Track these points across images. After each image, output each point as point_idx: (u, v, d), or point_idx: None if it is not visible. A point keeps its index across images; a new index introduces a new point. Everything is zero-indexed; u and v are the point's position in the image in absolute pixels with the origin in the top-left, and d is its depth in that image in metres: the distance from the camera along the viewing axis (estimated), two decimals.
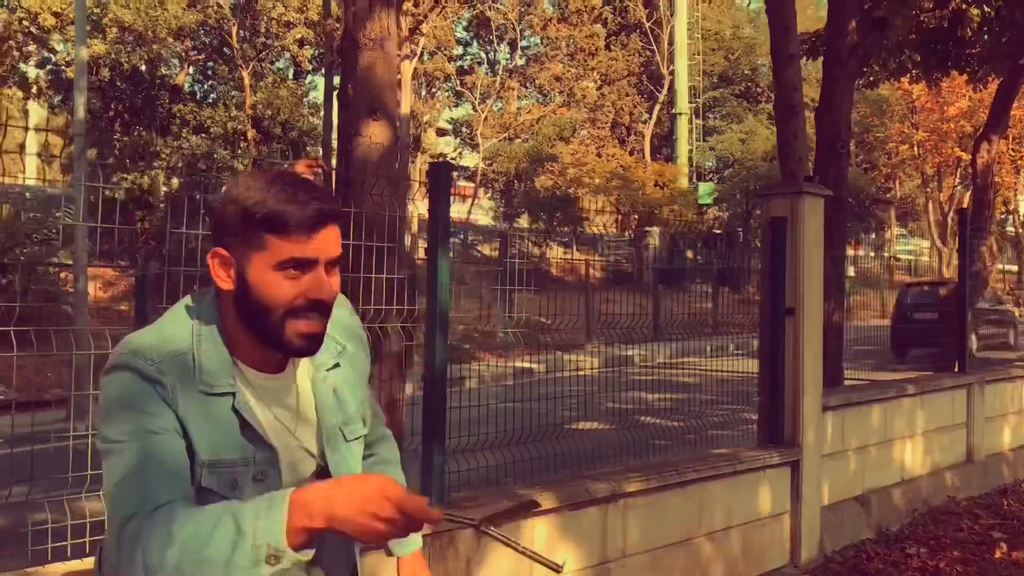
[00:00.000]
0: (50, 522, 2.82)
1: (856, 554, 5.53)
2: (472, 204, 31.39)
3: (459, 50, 31.97)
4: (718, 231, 34.08)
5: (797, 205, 5.19)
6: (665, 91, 32.93)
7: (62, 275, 15.61)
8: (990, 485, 7.17)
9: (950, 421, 6.86)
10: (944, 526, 6.13)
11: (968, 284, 7.65)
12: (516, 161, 29.53)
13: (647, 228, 32.24)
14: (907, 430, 6.34)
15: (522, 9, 30.06)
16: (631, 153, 32.59)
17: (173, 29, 18.03)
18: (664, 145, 34.81)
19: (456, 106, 31.74)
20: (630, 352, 6.72)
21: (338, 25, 12.11)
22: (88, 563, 2.72)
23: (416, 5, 23.43)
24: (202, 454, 1.42)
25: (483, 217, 35.46)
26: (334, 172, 4.91)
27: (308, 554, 1.27)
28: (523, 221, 31.70)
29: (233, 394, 1.46)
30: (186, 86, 21.67)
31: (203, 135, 18.28)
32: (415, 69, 26.82)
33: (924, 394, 6.53)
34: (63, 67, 19.31)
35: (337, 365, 1.61)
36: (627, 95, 33.41)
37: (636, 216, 31.36)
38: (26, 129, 24.07)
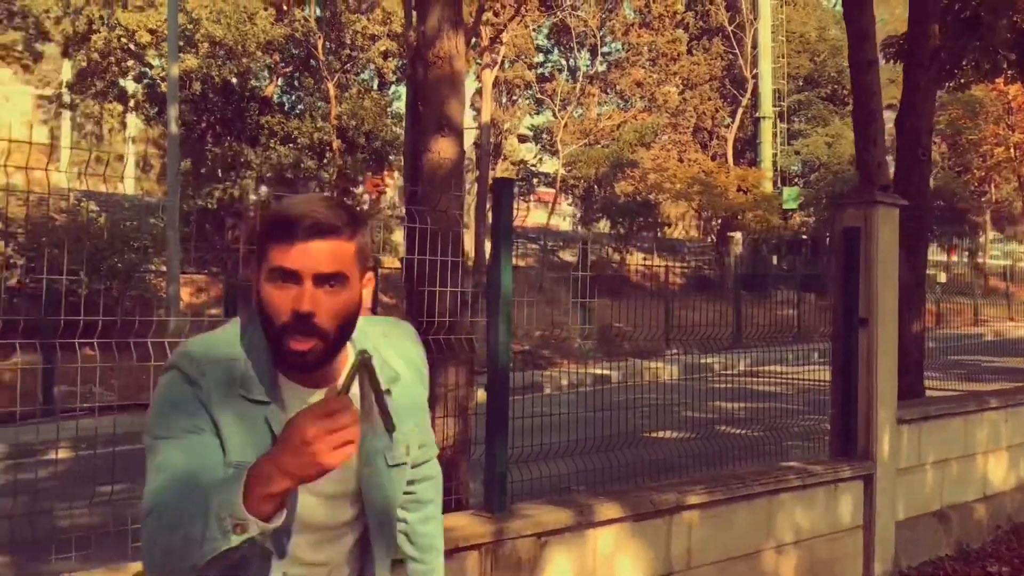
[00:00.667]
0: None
1: (934, 571, 5.41)
2: (552, 210, 31.48)
3: (540, 57, 32.11)
4: (803, 236, 33.42)
5: (870, 215, 5.12)
6: (748, 95, 32.44)
7: (155, 281, 16.25)
8: None
9: None
10: None
11: None
12: (596, 166, 29.48)
13: (730, 233, 31.84)
14: (990, 444, 6.16)
15: (603, 16, 30.02)
16: (713, 158, 32.19)
17: (262, 43, 18.60)
18: (747, 149, 34.28)
19: (537, 113, 31.87)
20: (710, 360, 6.68)
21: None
22: None
23: (496, 15, 23.64)
24: (231, 456, 1.46)
25: (563, 223, 35.56)
26: (404, 187, 5.06)
27: (276, 521, 1.31)
28: (602, 226, 31.63)
29: (268, 403, 1.50)
30: (275, 98, 22.28)
31: (290, 145, 18.79)
32: (496, 77, 27.08)
33: (1009, 407, 6.34)
34: (158, 81, 20.08)
35: (388, 391, 1.58)
36: (709, 99, 33.03)
37: (718, 221, 30.99)
38: (125, 140, 25.15)
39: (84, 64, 19.12)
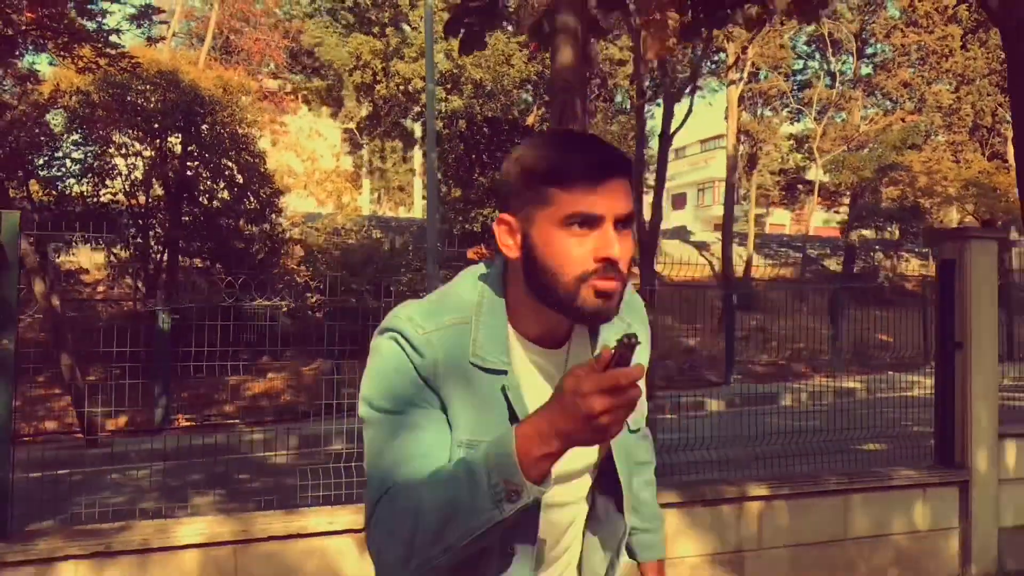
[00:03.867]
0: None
1: None
2: (802, 216, 31.05)
3: (799, 64, 31.86)
4: None
5: (963, 249, 5.69)
6: None
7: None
8: None
9: None
10: None
11: None
12: (859, 172, 28.84)
13: (1013, 237, 29.71)
14: None
15: (864, 19, 29.30)
16: (992, 158, 30.22)
17: (517, 81, 20.61)
18: None
19: (796, 121, 31.64)
20: None
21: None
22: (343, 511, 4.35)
23: (748, 30, 24.15)
24: (461, 433, 1.34)
25: (826, 230, 34.75)
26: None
27: (547, 487, 1.23)
28: (867, 234, 30.74)
29: (505, 372, 1.37)
30: (536, 127, 24.28)
31: None
32: (748, 89, 27.48)
33: None
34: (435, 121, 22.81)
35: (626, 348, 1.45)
36: (988, 95, 31.03)
37: (999, 226, 29.07)
38: (408, 172, 28.37)
39: (370, 109, 22.26)
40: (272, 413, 14.05)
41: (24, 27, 10.88)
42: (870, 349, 22.16)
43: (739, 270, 27.56)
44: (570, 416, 1.17)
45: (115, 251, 16.18)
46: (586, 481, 1.51)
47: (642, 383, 1.26)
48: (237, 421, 13.72)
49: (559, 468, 1.27)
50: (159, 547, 3.81)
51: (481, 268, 1.46)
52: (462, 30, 7.78)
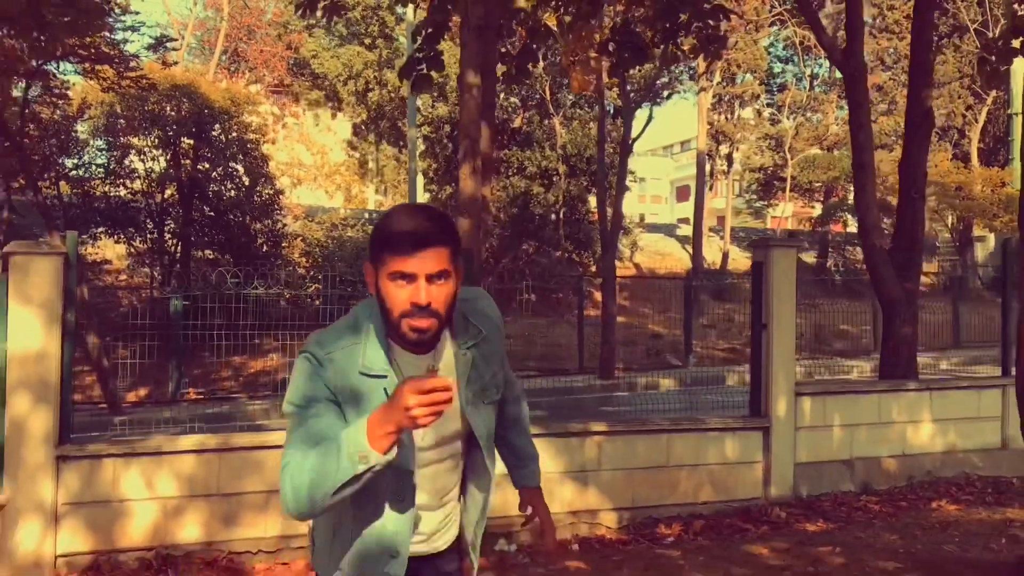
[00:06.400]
0: None
1: (831, 499, 7.70)
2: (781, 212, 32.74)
3: (778, 67, 33.57)
4: None
5: (768, 254, 7.59)
6: (993, 93, 31.78)
7: None
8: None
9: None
10: (934, 489, 7.97)
11: None
12: (828, 171, 30.58)
13: (978, 233, 31.47)
14: (907, 415, 8.24)
15: (835, 26, 30.95)
16: (961, 157, 31.91)
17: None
18: (1001, 148, 33.42)
19: (774, 123, 33.36)
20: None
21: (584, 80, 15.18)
22: None
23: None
24: (351, 419, 1.87)
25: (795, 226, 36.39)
26: None
27: (390, 456, 1.75)
28: (838, 229, 32.45)
29: (386, 376, 1.92)
30: (522, 128, 26.08)
31: (521, 175, 22.52)
32: (726, 92, 29.32)
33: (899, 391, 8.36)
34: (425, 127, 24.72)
35: (475, 345, 2.05)
36: (959, 98, 32.69)
37: (959, 223, 30.79)
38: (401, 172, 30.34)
39: (365, 115, 24.23)
40: (270, 387, 15.94)
41: (60, 53, 12.86)
42: (829, 337, 23.98)
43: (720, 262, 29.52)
44: (396, 408, 1.69)
45: (135, 244, 18.19)
46: (457, 444, 2.10)
47: (504, 365, 2.17)
48: (240, 394, 15.70)
49: (434, 434, 1.97)
50: (168, 451, 5.81)
51: (368, 303, 1.99)
52: (414, 74, 9.77)
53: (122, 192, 18.37)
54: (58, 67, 15.06)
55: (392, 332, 1.91)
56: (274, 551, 5.97)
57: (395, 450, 1.76)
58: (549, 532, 2.40)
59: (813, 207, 35.04)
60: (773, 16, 29.01)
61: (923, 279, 30.05)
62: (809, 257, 32.87)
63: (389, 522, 2.00)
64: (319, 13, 10.35)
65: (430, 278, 1.84)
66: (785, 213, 34.86)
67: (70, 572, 5.51)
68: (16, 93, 14.82)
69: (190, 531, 5.81)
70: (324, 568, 2.13)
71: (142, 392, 14.98)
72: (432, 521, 2.12)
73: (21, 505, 5.42)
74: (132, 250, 18.47)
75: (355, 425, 1.77)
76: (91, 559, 5.59)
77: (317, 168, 25.54)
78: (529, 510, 2.40)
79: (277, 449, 6.01)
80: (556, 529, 2.46)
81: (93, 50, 13.57)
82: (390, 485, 1.95)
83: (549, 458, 6.80)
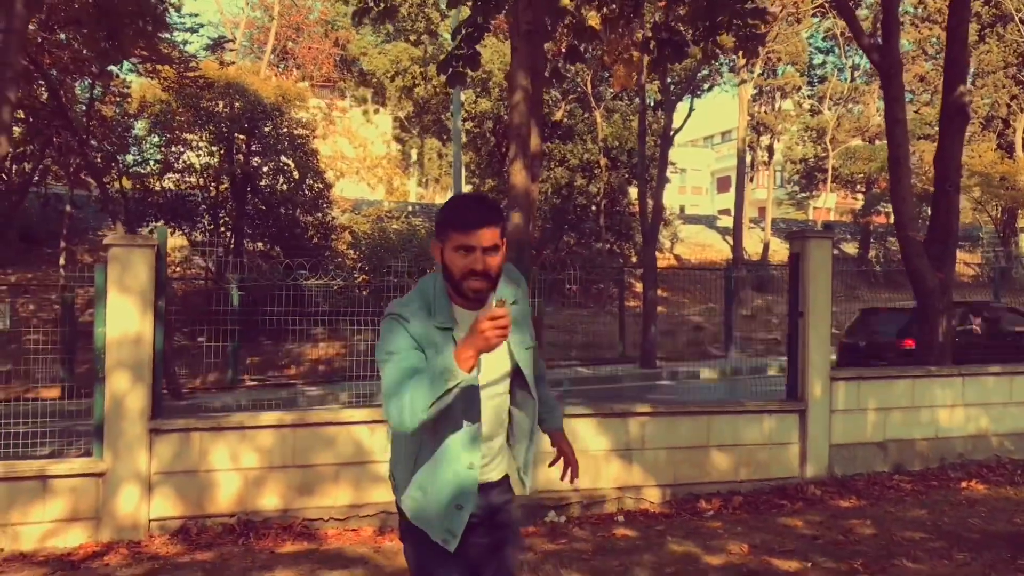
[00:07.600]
0: None
1: (866, 478, 8.06)
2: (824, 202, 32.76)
3: (819, 59, 33.58)
4: None
5: (805, 245, 7.96)
6: None
7: None
8: None
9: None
10: (965, 470, 8.30)
11: None
12: (870, 162, 30.60)
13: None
14: (942, 400, 8.56)
15: (875, 15, 30.90)
16: (1007, 148, 31.71)
17: None
18: None
19: (815, 114, 33.38)
20: None
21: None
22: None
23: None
24: (433, 361, 2.37)
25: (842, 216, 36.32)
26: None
27: (473, 376, 2.27)
28: (880, 220, 32.43)
29: (452, 328, 2.48)
30: (563, 121, 26.47)
31: (564, 167, 22.93)
32: (767, 84, 29.40)
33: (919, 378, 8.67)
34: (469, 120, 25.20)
35: (515, 302, 2.64)
36: (1003, 87, 32.48)
37: (1002, 214, 30.64)
38: (447, 167, 30.82)
39: (411, 109, 24.75)
40: (324, 376, 16.58)
41: (128, 60, 13.53)
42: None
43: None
44: (474, 335, 2.21)
45: (192, 236, 18.92)
46: (506, 383, 2.64)
47: (525, 320, 2.68)
48: (296, 381, 16.34)
49: (489, 373, 2.52)
50: (250, 426, 6.37)
51: (430, 276, 2.59)
52: (450, 70, 10.25)
53: (179, 186, 19.09)
54: (120, 67, 15.76)
55: (454, 291, 2.48)
56: (344, 519, 6.51)
57: (476, 372, 2.27)
58: (572, 462, 2.93)
59: (856, 198, 35.00)
60: (814, 8, 29.09)
61: (967, 270, 30.20)
62: (852, 248, 32.94)
63: (460, 442, 2.50)
64: (372, 15, 10.86)
65: (485, 250, 2.40)
66: (827, 204, 34.88)
67: (163, 534, 6.09)
68: (79, 91, 15.55)
69: (269, 500, 6.37)
70: (409, 500, 2.59)
71: (209, 378, 15.63)
72: (490, 449, 2.61)
73: (120, 473, 6.01)
74: (189, 241, 19.17)
75: (444, 354, 2.29)
76: (180, 523, 6.17)
77: (360, 161, 26.12)
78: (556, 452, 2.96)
79: (347, 425, 6.56)
80: (578, 463, 2.95)
81: (155, 52, 14.24)
82: (462, 408, 2.46)
83: (596, 436, 7.26)
